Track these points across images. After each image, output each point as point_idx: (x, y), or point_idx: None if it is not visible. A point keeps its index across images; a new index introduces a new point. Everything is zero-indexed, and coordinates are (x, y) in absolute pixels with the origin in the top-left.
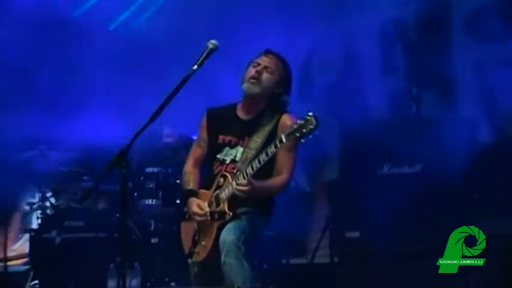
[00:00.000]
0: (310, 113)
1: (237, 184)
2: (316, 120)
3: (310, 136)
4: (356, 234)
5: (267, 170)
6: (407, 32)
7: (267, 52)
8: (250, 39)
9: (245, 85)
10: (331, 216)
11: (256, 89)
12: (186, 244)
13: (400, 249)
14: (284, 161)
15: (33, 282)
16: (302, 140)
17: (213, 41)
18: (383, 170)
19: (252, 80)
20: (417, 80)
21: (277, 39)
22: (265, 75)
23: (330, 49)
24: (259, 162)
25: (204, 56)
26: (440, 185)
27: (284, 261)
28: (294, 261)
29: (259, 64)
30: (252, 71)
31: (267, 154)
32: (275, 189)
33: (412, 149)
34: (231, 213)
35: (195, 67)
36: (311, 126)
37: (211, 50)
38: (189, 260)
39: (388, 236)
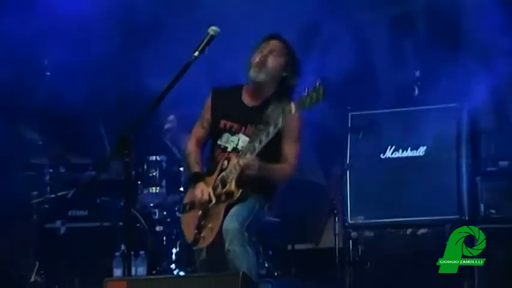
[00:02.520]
0: (319, 82)
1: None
2: (324, 91)
3: (313, 107)
4: (360, 218)
5: (271, 159)
6: (417, 25)
7: (272, 36)
8: None
9: (251, 71)
10: (335, 201)
11: (262, 76)
12: (190, 233)
13: (405, 233)
14: (288, 151)
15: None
16: (307, 109)
17: (213, 28)
18: (386, 154)
19: (257, 67)
20: (424, 69)
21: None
22: (271, 60)
23: (339, 42)
24: (267, 135)
25: (205, 42)
26: (443, 167)
27: (290, 247)
28: (299, 246)
29: (264, 49)
30: (257, 56)
31: (275, 125)
32: (280, 174)
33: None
34: (240, 190)
35: (196, 54)
36: (319, 96)
37: (212, 37)
38: (194, 248)
39: (392, 220)
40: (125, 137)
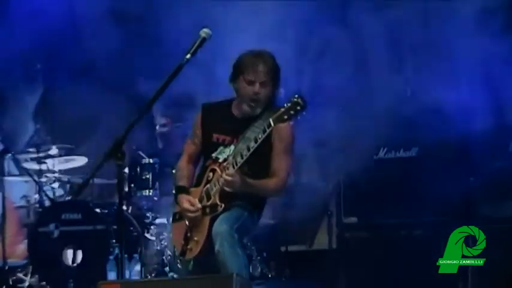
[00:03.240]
0: (297, 95)
1: (226, 174)
2: (303, 101)
3: (298, 117)
4: (354, 219)
5: (262, 173)
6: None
7: (256, 58)
8: None
9: (245, 107)
10: (329, 203)
11: (257, 110)
12: (178, 243)
13: (399, 233)
14: (278, 164)
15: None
16: (291, 122)
17: (205, 30)
18: (379, 155)
19: (252, 104)
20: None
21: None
22: (263, 92)
23: (336, 47)
24: (248, 149)
25: (196, 45)
26: (436, 168)
27: (283, 248)
28: (292, 248)
29: (253, 82)
30: (249, 91)
31: (255, 141)
32: (268, 191)
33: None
34: (222, 205)
35: (188, 56)
36: (298, 108)
37: (204, 39)
38: (182, 259)
39: (386, 221)
40: (118, 141)
